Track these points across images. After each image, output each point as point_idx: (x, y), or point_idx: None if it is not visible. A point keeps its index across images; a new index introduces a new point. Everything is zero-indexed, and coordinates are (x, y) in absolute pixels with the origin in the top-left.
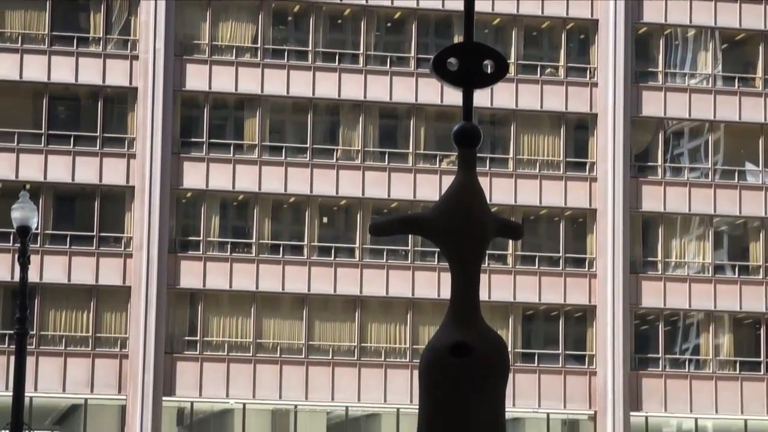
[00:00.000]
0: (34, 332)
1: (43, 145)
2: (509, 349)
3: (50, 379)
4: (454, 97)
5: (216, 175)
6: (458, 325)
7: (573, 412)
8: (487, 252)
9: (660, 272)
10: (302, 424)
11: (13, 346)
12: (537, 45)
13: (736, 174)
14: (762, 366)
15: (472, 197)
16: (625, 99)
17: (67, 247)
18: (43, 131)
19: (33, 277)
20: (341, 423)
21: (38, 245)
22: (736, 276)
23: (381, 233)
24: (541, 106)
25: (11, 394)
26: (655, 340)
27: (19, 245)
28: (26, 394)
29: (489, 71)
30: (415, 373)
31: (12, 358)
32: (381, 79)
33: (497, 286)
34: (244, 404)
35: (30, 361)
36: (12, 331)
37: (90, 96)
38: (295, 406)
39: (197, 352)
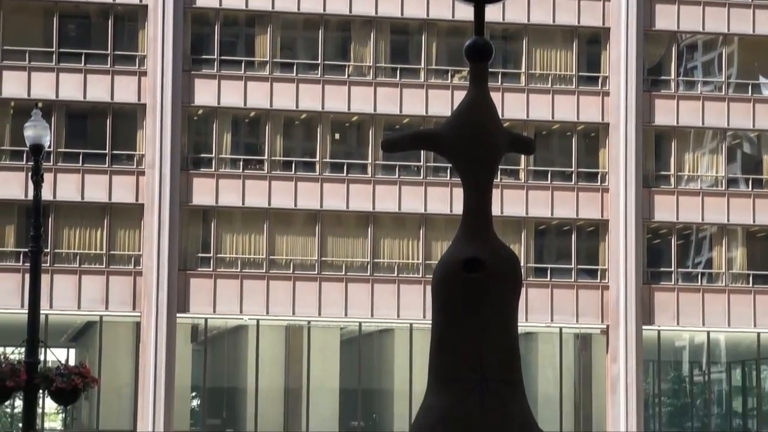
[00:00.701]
0: (49, 250)
1: (54, 63)
2: (521, 264)
3: (65, 296)
4: (465, 12)
5: (227, 92)
6: (470, 240)
7: (585, 326)
8: (500, 167)
9: (673, 186)
10: (316, 339)
11: (28, 264)
12: None
13: (750, 87)
14: None
15: (484, 112)
16: (638, 12)
17: (80, 165)
18: (54, 49)
19: (46, 195)
20: (354, 338)
21: (51, 163)
22: (750, 189)
23: (393, 149)
24: (554, 21)
25: (27, 311)
26: (667, 254)
27: (32, 163)
28: (42, 312)
29: None
30: (428, 288)
31: (27, 276)
32: None
33: (509, 201)
34: (258, 320)
35: (45, 279)
36: (26, 249)
37: (101, 13)
38: (309, 322)
39: (210, 269)
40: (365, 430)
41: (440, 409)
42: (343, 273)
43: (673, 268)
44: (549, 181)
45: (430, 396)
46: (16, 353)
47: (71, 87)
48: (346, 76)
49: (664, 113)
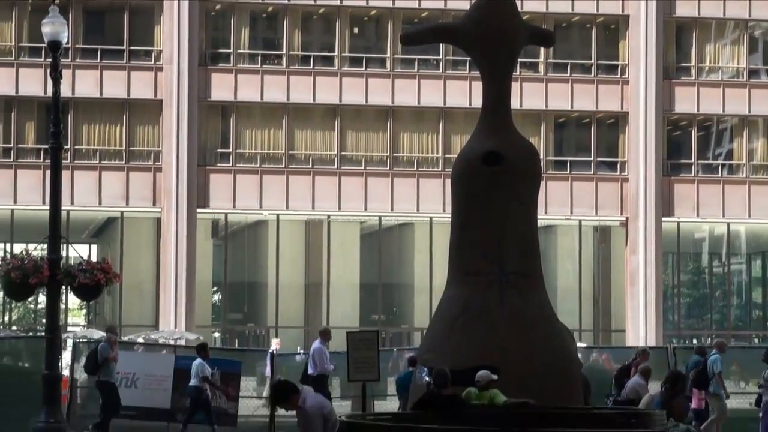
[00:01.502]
0: (69, 147)
1: None
2: (541, 157)
3: (86, 192)
4: None
5: None
6: (490, 133)
7: (605, 219)
8: (519, 60)
9: (693, 77)
10: (335, 233)
11: (49, 161)
12: None
13: None
14: None
15: (503, 5)
16: None
17: (98, 61)
18: None
19: (65, 92)
20: (374, 232)
21: (69, 60)
22: None
23: (412, 42)
24: None
25: (48, 208)
26: (687, 145)
27: (50, 60)
28: (63, 208)
29: None
30: (448, 182)
31: (48, 173)
32: None
33: (529, 94)
34: (278, 215)
35: (65, 175)
36: (47, 146)
37: None
38: (328, 216)
39: (230, 164)
40: (385, 323)
41: (461, 301)
42: (363, 167)
43: (693, 160)
44: (568, 74)
45: (450, 289)
46: (38, 250)
47: None
48: None
49: (685, 3)
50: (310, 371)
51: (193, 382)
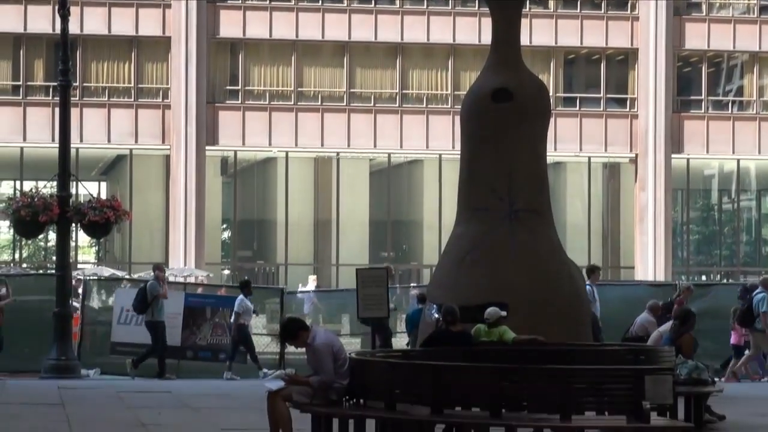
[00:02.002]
0: (77, 84)
1: None
2: (550, 94)
3: (95, 130)
4: None
5: None
6: (499, 70)
7: (614, 155)
8: None
9: (704, 13)
10: (345, 171)
11: (58, 99)
12: None
13: None
14: None
15: None
16: None
17: None
18: None
19: (73, 29)
20: (384, 170)
21: None
22: None
23: None
24: None
25: (57, 145)
26: (697, 82)
27: None
28: (72, 146)
29: None
30: (457, 119)
31: (57, 110)
32: None
33: (538, 31)
34: (287, 152)
35: (74, 112)
36: (56, 83)
37: None
38: (338, 153)
39: (239, 102)
40: (395, 260)
41: (470, 238)
42: (372, 104)
43: (703, 97)
44: (578, 10)
45: (459, 226)
46: (48, 187)
47: None
48: None
49: None
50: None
51: (233, 318)
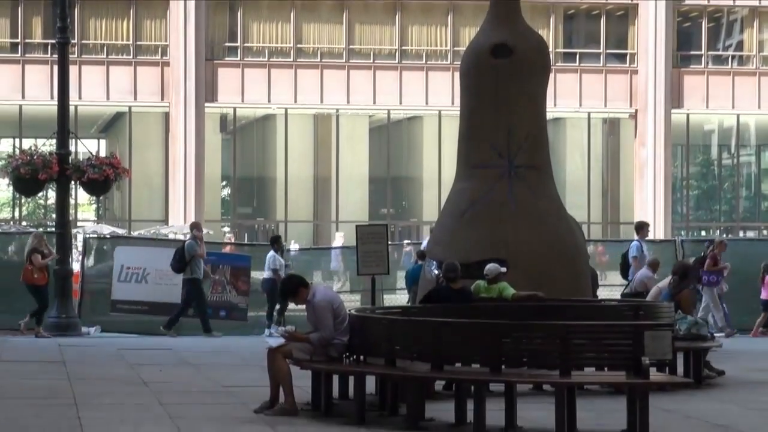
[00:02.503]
0: (76, 41)
1: None
2: (550, 50)
3: (94, 87)
4: None
5: None
6: (499, 26)
7: (614, 111)
8: None
9: None
10: (344, 127)
11: (56, 56)
12: None
13: None
14: None
15: None
16: None
17: None
18: None
19: None
20: (383, 126)
21: None
22: None
23: None
24: None
25: (56, 103)
26: (697, 37)
27: None
28: (71, 103)
29: None
30: (457, 75)
31: (55, 68)
32: None
33: None
34: (286, 109)
35: (73, 70)
36: (54, 41)
37: None
38: (337, 110)
39: (238, 59)
40: (394, 217)
41: (470, 195)
42: (371, 61)
43: (703, 52)
44: None
45: (459, 182)
46: (47, 145)
47: None
48: None
49: None
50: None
51: (266, 274)
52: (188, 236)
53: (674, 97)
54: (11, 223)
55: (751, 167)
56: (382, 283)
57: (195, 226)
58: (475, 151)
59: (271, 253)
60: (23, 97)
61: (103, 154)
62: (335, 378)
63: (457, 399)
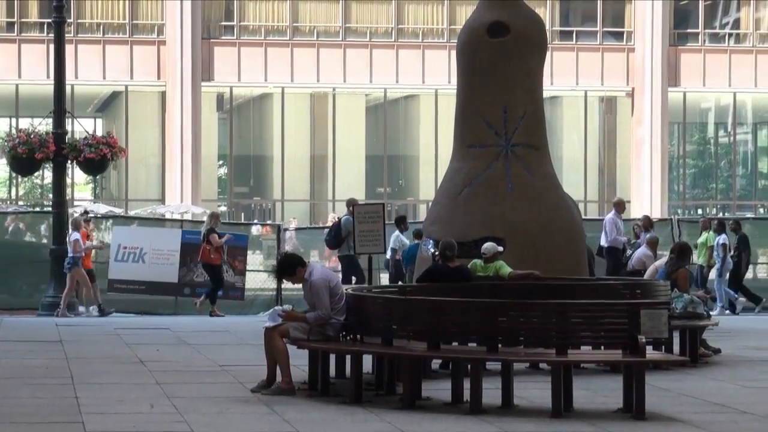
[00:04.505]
0: (72, 21)
1: None
2: (546, 28)
3: (90, 67)
4: None
5: None
6: (495, 4)
7: (611, 89)
8: None
9: None
10: (341, 106)
11: (52, 35)
12: None
13: None
14: None
15: None
16: None
17: None
18: None
19: None
20: (380, 105)
21: None
22: None
23: None
24: None
25: (53, 82)
26: (694, 15)
27: None
28: (67, 83)
29: None
30: (453, 53)
31: (52, 47)
32: None
33: None
34: (283, 88)
35: (69, 49)
36: (50, 20)
37: None
38: (334, 89)
39: (234, 38)
40: (391, 195)
41: (466, 173)
42: (368, 39)
43: (700, 30)
44: None
45: (455, 161)
46: (43, 125)
47: None
48: None
49: None
50: (602, 242)
51: (389, 254)
52: (344, 213)
53: (671, 75)
54: (8, 202)
55: (747, 145)
56: (379, 262)
57: (351, 203)
58: (472, 129)
59: (396, 232)
60: (20, 76)
61: (99, 133)
62: (332, 357)
63: (453, 378)
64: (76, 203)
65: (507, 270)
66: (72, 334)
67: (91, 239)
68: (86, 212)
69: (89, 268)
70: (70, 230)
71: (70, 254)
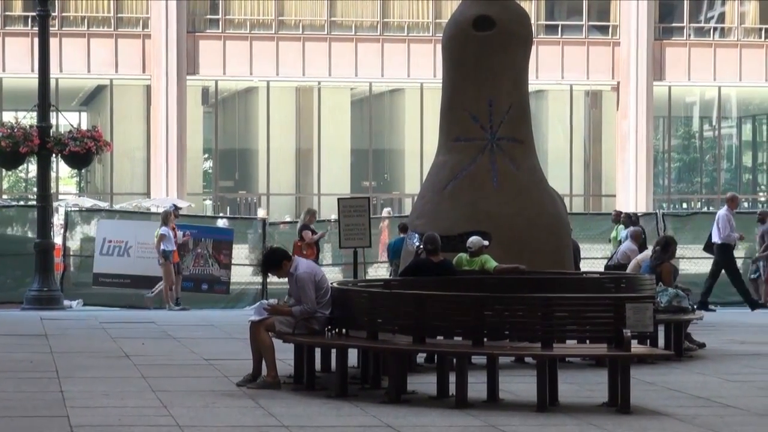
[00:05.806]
0: (56, 14)
1: None
2: (532, 22)
3: (75, 60)
4: None
5: None
6: None
7: (596, 83)
8: None
9: None
10: (326, 100)
11: (36, 28)
12: None
13: None
14: None
15: None
16: None
17: None
18: None
19: None
20: (365, 99)
21: None
22: None
23: None
24: None
25: (37, 76)
26: (679, 9)
27: None
28: (52, 76)
29: None
30: (439, 47)
31: (36, 40)
32: None
33: None
34: (268, 82)
35: (53, 43)
36: (34, 13)
37: None
38: (319, 83)
39: (219, 31)
40: (376, 189)
41: (451, 167)
42: (353, 33)
43: (685, 24)
44: None
45: (441, 155)
46: (27, 118)
47: None
48: None
49: None
50: (714, 239)
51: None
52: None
53: (656, 69)
54: None
55: (732, 139)
56: (364, 256)
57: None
58: (457, 123)
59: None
60: (3, 69)
61: (84, 127)
62: (317, 351)
63: (439, 372)
64: (60, 197)
65: (492, 264)
66: (57, 328)
67: (175, 234)
68: (176, 207)
69: (177, 261)
70: (159, 224)
71: (162, 248)
